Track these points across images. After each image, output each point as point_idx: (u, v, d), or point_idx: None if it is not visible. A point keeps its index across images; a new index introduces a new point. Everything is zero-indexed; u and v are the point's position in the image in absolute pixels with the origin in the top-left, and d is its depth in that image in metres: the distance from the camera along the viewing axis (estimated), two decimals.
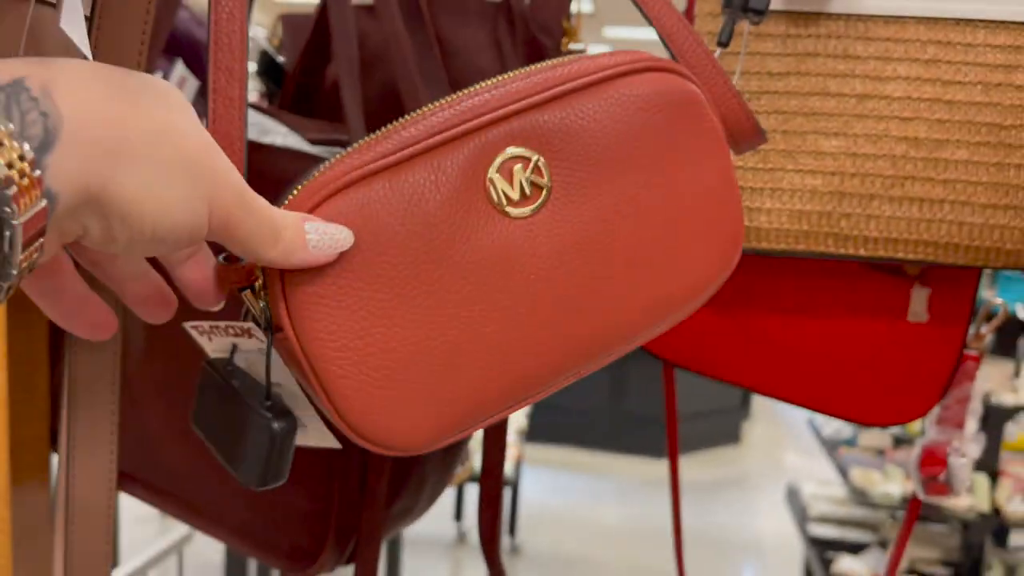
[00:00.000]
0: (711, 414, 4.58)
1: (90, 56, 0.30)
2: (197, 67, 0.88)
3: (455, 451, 0.67)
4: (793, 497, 3.21)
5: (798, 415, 4.55)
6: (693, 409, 4.33)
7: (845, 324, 0.65)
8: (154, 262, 0.36)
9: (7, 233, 0.25)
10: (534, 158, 0.38)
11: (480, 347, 0.37)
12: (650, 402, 4.23)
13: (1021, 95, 0.55)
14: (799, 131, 0.58)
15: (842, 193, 0.57)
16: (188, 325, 0.44)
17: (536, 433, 4.14)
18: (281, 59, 0.78)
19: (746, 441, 4.93)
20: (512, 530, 3.42)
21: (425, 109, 0.38)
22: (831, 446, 3.01)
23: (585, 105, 0.39)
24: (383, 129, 0.37)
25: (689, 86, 0.41)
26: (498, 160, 0.37)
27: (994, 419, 2.48)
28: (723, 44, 0.48)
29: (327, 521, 0.59)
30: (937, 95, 0.56)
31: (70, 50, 0.36)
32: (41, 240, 0.26)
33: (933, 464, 0.65)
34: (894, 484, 2.72)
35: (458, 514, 3.45)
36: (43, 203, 0.26)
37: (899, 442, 2.94)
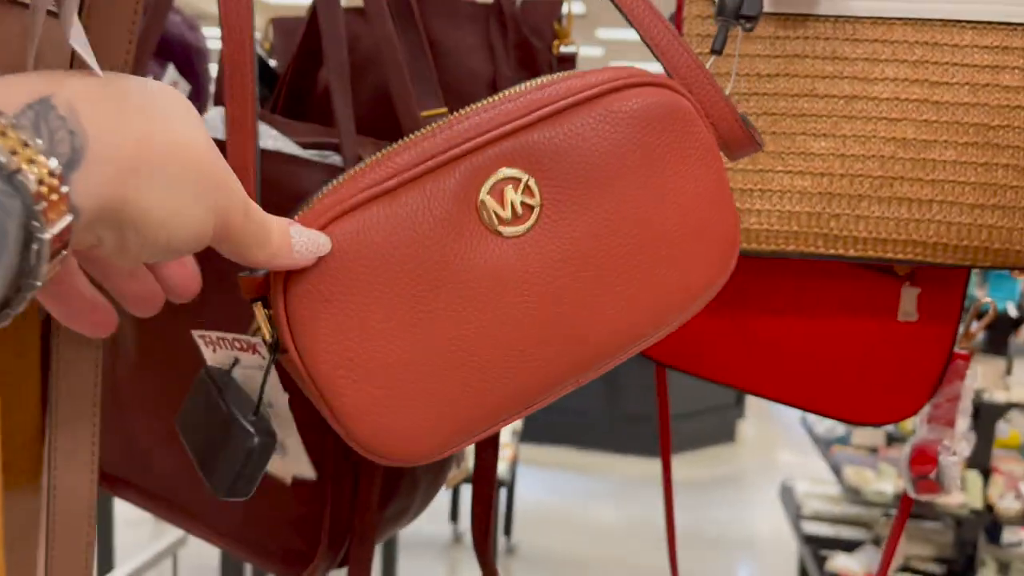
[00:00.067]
0: (706, 413, 4.59)
1: (99, 71, 0.30)
2: (188, 71, 0.88)
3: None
4: (787, 495, 3.22)
5: (792, 414, 4.57)
6: (688, 408, 4.34)
7: (835, 324, 0.66)
8: None
9: (35, 247, 0.26)
10: (524, 178, 0.39)
11: (477, 363, 0.38)
12: (645, 402, 4.24)
13: (1008, 95, 0.56)
14: (788, 132, 0.58)
15: (831, 194, 0.57)
16: (196, 334, 0.46)
17: (531, 433, 4.14)
18: (273, 63, 0.78)
19: (741, 440, 4.94)
20: (508, 530, 3.42)
21: (419, 134, 0.39)
22: (824, 444, 3.02)
23: (574, 123, 0.39)
24: (379, 154, 0.39)
25: (678, 99, 0.41)
26: (489, 182, 0.38)
27: (986, 417, 2.49)
28: (717, 52, 0.49)
29: (320, 524, 0.59)
30: (925, 96, 0.56)
31: (65, 55, 0.36)
32: (64, 252, 0.27)
33: (924, 463, 0.66)
34: (887, 482, 2.73)
35: (454, 515, 3.45)
36: (69, 218, 0.27)
37: (892, 440, 2.95)
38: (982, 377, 2.49)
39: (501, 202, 0.39)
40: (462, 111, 0.40)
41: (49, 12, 0.33)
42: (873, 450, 2.97)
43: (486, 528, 0.69)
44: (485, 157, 0.38)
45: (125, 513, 2.41)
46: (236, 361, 0.42)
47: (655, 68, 0.44)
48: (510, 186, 0.39)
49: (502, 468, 2.77)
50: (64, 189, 0.26)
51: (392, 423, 0.38)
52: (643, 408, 4.26)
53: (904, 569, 2.65)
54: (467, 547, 3.38)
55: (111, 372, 0.65)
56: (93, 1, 0.37)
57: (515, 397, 0.40)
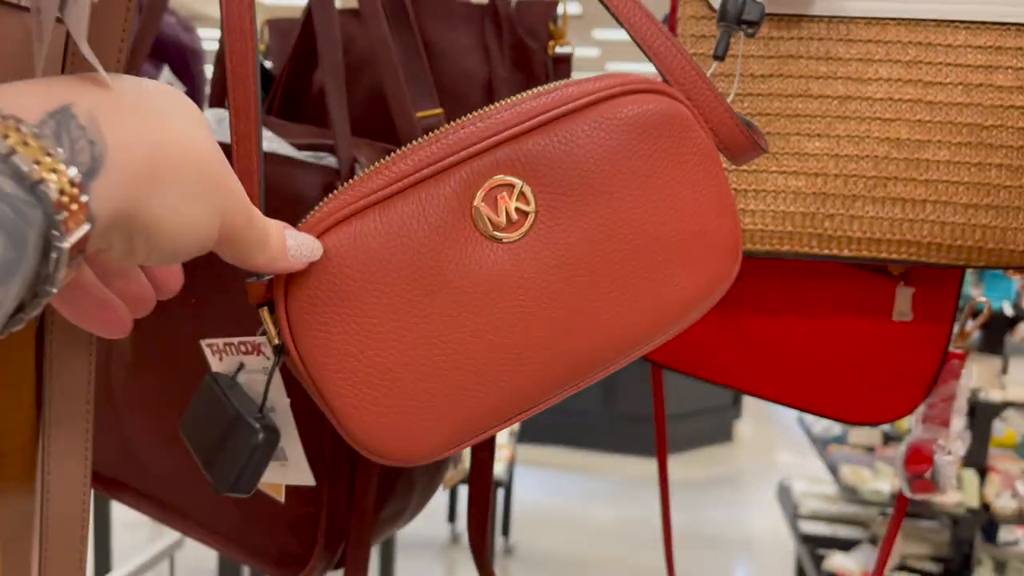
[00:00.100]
0: (703, 413, 4.60)
1: (106, 76, 0.30)
2: (183, 72, 0.88)
3: None
4: (784, 495, 3.23)
5: (789, 413, 4.57)
6: (685, 408, 4.34)
7: (831, 324, 0.66)
8: None
9: (54, 255, 0.26)
10: (518, 185, 0.39)
11: (474, 365, 0.39)
12: (642, 402, 4.24)
13: (1001, 95, 0.56)
14: (782, 133, 0.58)
15: (825, 194, 0.57)
16: (204, 343, 0.47)
17: (529, 434, 4.15)
18: (268, 64, 0.78)
19: (738, 439, 4.95)
20: (506, 531, 3.42)
21: (415, 143, 0.40)
22: (821, 444, 3.02)
23: (568, 130, 0.40)
24: (378, 164, 0.40)
25: (674, 105, 0.41)
26: (483, 189, 0.39)
27: (982, 415, 2.50)
28: (719, 58, 0.49)
29: (316, 526, 0.59)
30: (918, 96, 0.56)
31: (53, 57, 0.36)
32: (80, 258, 0.28)
33: (919, 462, 0.66)
34: (884, 481, 2.73)
35: (452, 516, 3.45)
36: (87, 227, 0.27)
37: (889, 439, 2.96)
38: (978, 376, 2.50)
39: (495, 209, 0.39)
40: (459, 120, 0.40)
41: None
42: (870, 449, 2.97)
43: (483, 529, 0.69)
44: (480, 165, 0.39)
45: (123, 515, 2.40)
46: (241, 367, 0.44)
47: (652, 71, 0.44)
48: (504, 193, 0.39)
49: (500, 469, 2.77)
50: (84, 199, 0.27)
51: (390, 423, 0.39)
52: (641, 408, 4.26)
53: (901, 568, 2.65)
54: (465, 548, 3.38)
55: (106, 374, 0.65)
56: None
57: (513, 399, 0.40)
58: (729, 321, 0.67)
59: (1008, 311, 2.63)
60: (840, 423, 0.79)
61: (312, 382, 0.39)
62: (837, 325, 0.65)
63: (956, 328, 0.66)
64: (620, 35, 6.67)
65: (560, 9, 0.69)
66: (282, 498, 0.51)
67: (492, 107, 0.40)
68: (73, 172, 0.26)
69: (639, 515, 3.71)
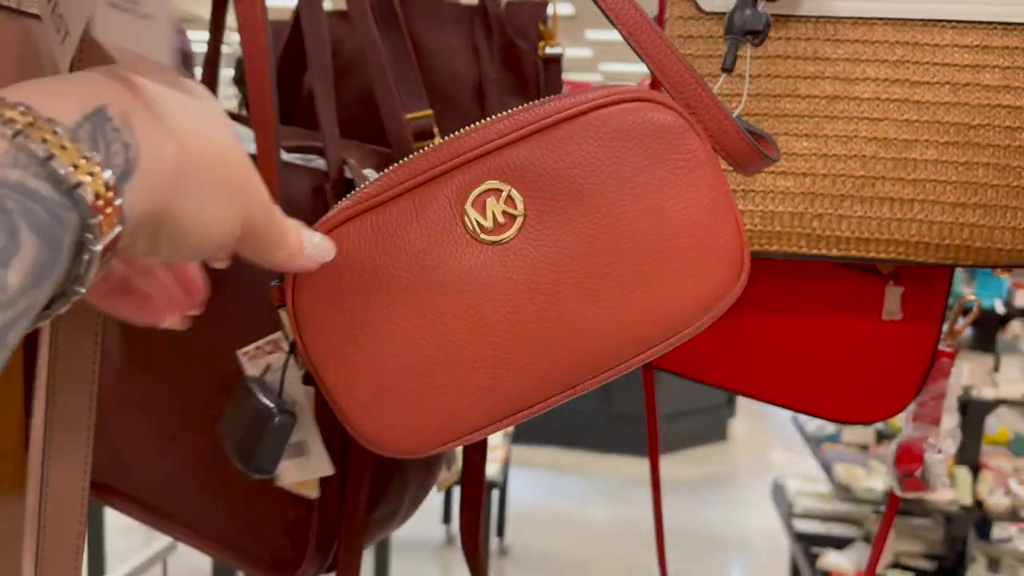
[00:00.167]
0: (698, 412, 4.60)
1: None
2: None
3: (437, 455, 0.67)
4: (778, 493, 3.23)
5: (783, 412, 4.58)
6: (680, 407, 4.35)
7: (820, 324, 0.66)
8: None
9: (86, 257, 0.26)
10: (506, 190, 0.41)
11: (464, 363, 0.41)
12: (637, 402, 4.22)
13: (988, 94, 0.56)
14: (770, 133, 0.58)
15: (814, 194, 0.58)
16: (240, 352, 0.51)
17: (523, 434, 4.15)
18: None
19: (733, 438, 4.96)
20: (501, 532, 3.42)
21: (415, 155, 0.42)
22: (815, 442, 3.03)
23: (557, 138, 0.41)
24: (380, 174, 0.42)
25: (665, 114, 0.41)
26: (474, 193, 0.41)
27: (975, 413, 2.51)
28: (727, 70, 0.50)
29: (308, 528, 0.59)
30: (906, 96, 0.56)
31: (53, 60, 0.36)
32: (109, 258, 0.28)
33: (909, 460, 0.66)
34: (877, 479, 2.74)
35: (446, 517, 3.45)
36: (119, 228, 0.27)
37: (882, 437, 2.96)
38: (970, 374, 2.51)
39: (483, 212, 0.41)
40: (458, 132, 0.42)
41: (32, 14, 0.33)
42: (863, 447, 2.98)
43: (475, 532, 0.69)
44: (472, 171, 0.41)
45: (116, 520, 2.40)
46: (268, 367, 0.49)
47: (646, 70, 0.45)
48: (492, 197, 0.41)
49: (495, 469, 2.77)
50: (118, 202, 0.27)
51: (387, 416, 0.41)
52: (636, 408, 4.26)
53: (895, 566, 2.66)
54: (460, 549, 3.38)
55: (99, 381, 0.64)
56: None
57: (505, 398, 0.41)
58: (719, 321, 0.67)
59: (1000, 309, 2.64)
60: (832, 422, 0.79)
61: (316, 374, 0.41)
62: (827, 325, 0.66)
63: (946, 327, 0.66)
64: (613, 36, 6.67)
65: (550, 10, 0.69)
66: (316, 493, 0.53)
67: (489, 119, 0.42)
68: (108, 175, 0.27)
69: (634, 515, 3.72)
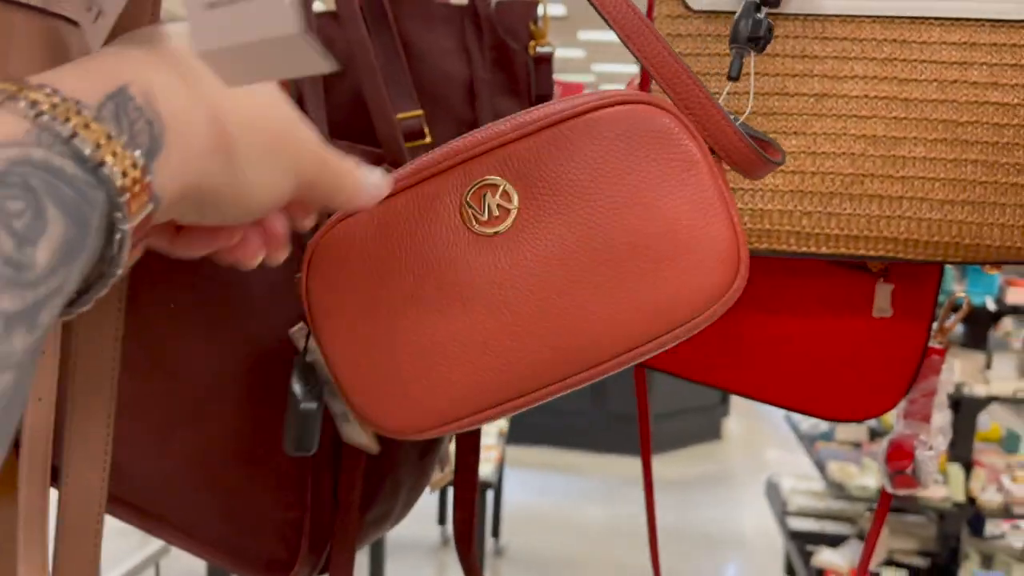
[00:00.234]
0: (692, 411, 4.61)
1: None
2: None
3: (431, 455, 0.67)
4: (773, 492, 3.24)
5: (777, 411, 4.60)
6: (674, 406, 4.36)
7: (811, 322, 0.66)
8: None
9: (117, 237, 0.26)
10: (502, 184, 0.43)
11: (453, 349, 0.43)
12: (631, 401, 4.19)
13: (976, 91, 0.56)
14: (759, 131, 0.58)
15: (803, 192, 0.58)
16: (291, 331, 0.53)
17: (517, 435, 4.14)
18: None
19: (727, 437, 4.97)
20: (496, 532, 3.42)
21: (424, 155, 0.45)
22: (809, 441, 3.04)
23: (553, 137, 0.43)
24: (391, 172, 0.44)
25: (659, 115, 0.42)
26: (472, 187, 0.43)
27: (967, 410, 2.52)
28: (733, 78, 0.50)
29: (301, 530, 0.59)
30: (894, 93, 0.57)
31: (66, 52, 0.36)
32: (145, 240, 0.28)
33: (900, 458, 0.66)
34: (870, 477, 2.75)
35: (442, 518, 3.45)
36: (150, 207, 0.27)
37: (875, 435, 2.98)
38: (962, 371, 2.52)
39: (480, 205, 0.43)
40: (460, 136, 0.45)
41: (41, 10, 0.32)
42: (857, 445, 2.99)
43: (469, 533, 0.69)
44: (472, 167, 0.44)
45: (109, 523, 2.38)
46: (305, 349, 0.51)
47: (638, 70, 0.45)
48: (489, 191, 0.43)
49: (489, 470, 2.77)
50: (147, 180, 0.27)
51: (386, 398, 0.43)
52: (630, 408, 4.23)
53: (888, 563, 2.67)
54: (455, 549, 3.38)
55: None
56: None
57: (497, 385, 0.43)
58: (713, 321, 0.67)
59: (991, 307, 2.65)
60: (823, 420, 0.80)
61: (323, 353, 0.44)
62: (817, 322, 0.66)
63: (936, 324, 0.67)
64: (605, 36, 6.69)
65: (540, 10, 0.69)
66: (376, 448, 0.54)
67: (493, 123, 0.45)
68: (136, 153, 0.27)
69: (629, 514, 3.72)
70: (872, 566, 2.49)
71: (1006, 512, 2.56)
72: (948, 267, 0.65)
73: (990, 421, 2.97)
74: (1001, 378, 2.60)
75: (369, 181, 0.38)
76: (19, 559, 0.42)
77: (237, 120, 0.30)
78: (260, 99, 0.31)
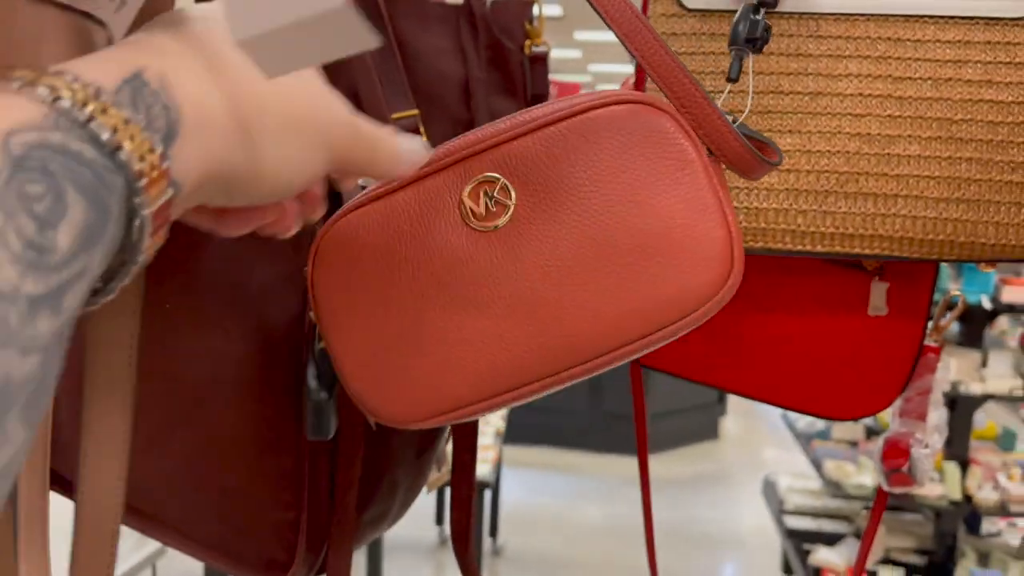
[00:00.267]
0: (689, 410, 4.62)
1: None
2: None
3: (428, 455, 0.67)
4: (769, 490, 3.24)
5: (774, 409, 4.60)
6: (671, 406, 4.36)
7: (806, 320, 0.66)
8: None
9: (137, 222, 0.26)
10: (500, 180, 0.44)
11: (447, 341, 0.44)
12: (628, 401, 4.22)
13: (970, 89, 0.56)
14: (753, 129, 0.58)
15: (797, 190, 0.58)
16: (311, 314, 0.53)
17: (514, 435, 4.15)
18: None
19: (724, 436, 4.98)
20: (493, 532, 3.42)
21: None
22: (805, 439, 3.05)
23: (550, 135, 0.44)
24: None
25: (655, 116, 0.42)
26: (471, 184, 0.44)
27: (963, 408, 2.52)
28: (733, 80, 0.51)
29: (298, 530, 0.58)
30: (888, 91, 0.57)
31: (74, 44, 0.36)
32: (167, 226, 0.28)
33: (896, 456, 0.66)
34: (867, 475, 2.76)
35: (439, 518, 3.45)
36: (171, 192, 0.27)
37: (871, 433, 2.98)
38: (958, 369, 2.52)
39: (477, 201, 0.44)
40: (462, 134, 0.45)
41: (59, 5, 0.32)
42: (853, 444, 3.00)
43: (466, 533, 0.69)
44: (471, 164, 0.44)
45: None
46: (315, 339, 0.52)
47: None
48: (487, 187, 0.44)
49: (486, 470, 2.77)
50: (165, 165, 0.27)
51: (381, 384, 0.44)
52: (627, 408, 4.25)
53: (885, 561, 2.67)
54: (452, 550, 3.37)
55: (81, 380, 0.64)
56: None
57: (492, 377, 0.44)
58: (708, 319, 0.67)
59: (987, 305, 2.65)
60: (819, 418, 0.80)
61: (326, 341, 0.46)
62: (813, 321, 0.66)
63: (931, 322, 0.67)
64: (601, 36, 6.69)
65: (536, 9, 0.69)
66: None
67: (492, 122, 0.46)
68: (153, 137, 0.26)
69: (627, 514, 3.72)
70: (869, 564, 2.49)
71: (1002, 510, 2.56)
72: (943, 265, 0.65)
73: (986, 419, 2.98)
74: (997, 376, 2.60)
75: (407, 148, 0.38)
76: (19, 559, 0.42)
77: (258, 102, 0.30)
78: (284, 77, 0.31)
